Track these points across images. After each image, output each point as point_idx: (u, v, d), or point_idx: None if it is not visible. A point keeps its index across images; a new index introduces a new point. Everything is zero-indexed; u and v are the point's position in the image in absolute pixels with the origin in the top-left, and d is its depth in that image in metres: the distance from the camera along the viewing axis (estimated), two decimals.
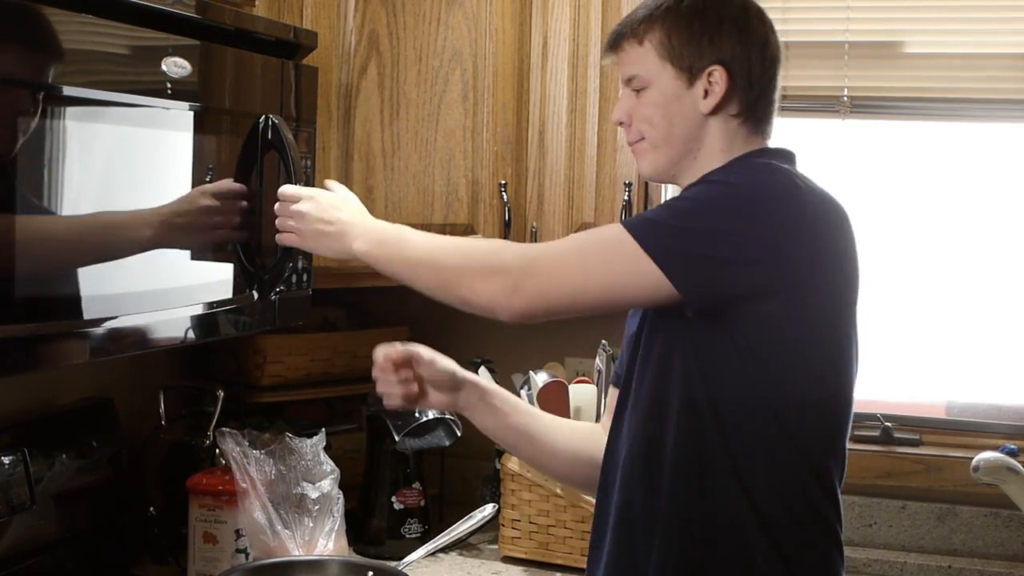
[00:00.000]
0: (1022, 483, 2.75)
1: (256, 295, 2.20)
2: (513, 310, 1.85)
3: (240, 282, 2.17)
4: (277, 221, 2.07)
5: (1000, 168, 3.07)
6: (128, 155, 1.88)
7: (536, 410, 2.26)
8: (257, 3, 2.32)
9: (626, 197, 2.72)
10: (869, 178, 3.10)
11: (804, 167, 1.93)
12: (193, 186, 2.03)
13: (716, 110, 1.90)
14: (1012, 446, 2.94)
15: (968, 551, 2.97)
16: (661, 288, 1.76)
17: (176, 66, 1.92)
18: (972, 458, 2.76)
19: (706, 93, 1.89)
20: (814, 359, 1.82)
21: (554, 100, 2.78)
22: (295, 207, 2.05)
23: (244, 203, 2.12)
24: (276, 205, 2.07)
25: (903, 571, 2.92)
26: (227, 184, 2.10)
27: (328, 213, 2.03)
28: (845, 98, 2.94)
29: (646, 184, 2.74)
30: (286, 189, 2.08)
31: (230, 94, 2.12)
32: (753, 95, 1.91)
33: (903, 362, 3.14)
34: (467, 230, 2.75)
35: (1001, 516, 2.95)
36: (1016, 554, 2.94)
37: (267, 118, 2.17)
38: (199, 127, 2.03)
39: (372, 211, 2.60)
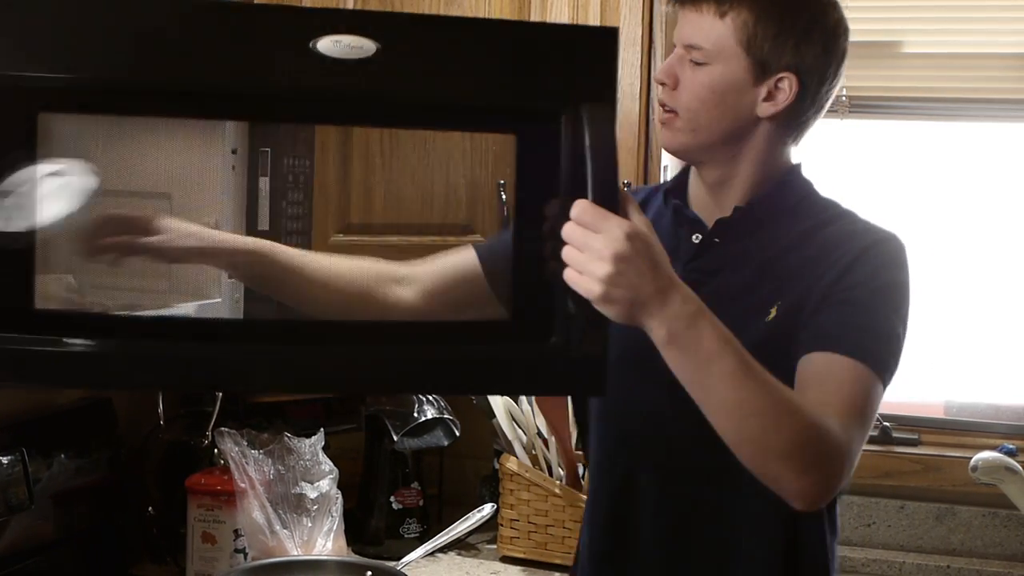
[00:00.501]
0: (1020, 483, 2.75)
1: None
2: (816, 505, 1.58)
3: None
4: (565, 253, 1.44)
5: (999, 168, 3.08)
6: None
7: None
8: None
9: None
10: (867, 178, 3.10)
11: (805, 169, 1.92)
12: None
13: (773, 117, 1.78)
14: (1010, 446, 2.95)
15: (967, 551, 2.97)
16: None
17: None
18: (971, 458, 2.76)
19: (769, 95, 1.76)
20: None
21: None
22: (599, 240, 1.42)
23: None
24: (568, 227, 1.45)
25: (902, 571, 2.93)
26: None
27: (648, 261, 1.43)
28: (844, 98, 2.94)
29: (645, 183, 2.74)
30: (590, 208, 1.44)
31: None
32: (812, 111, 1.82)
33: (902, 362, 3.14)
34: (466, 230, 2.74)
35: (1000, 516, 2.95)
36: (1015, 554, 2.95)
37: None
38: None
39: (371, 211, 2.61)
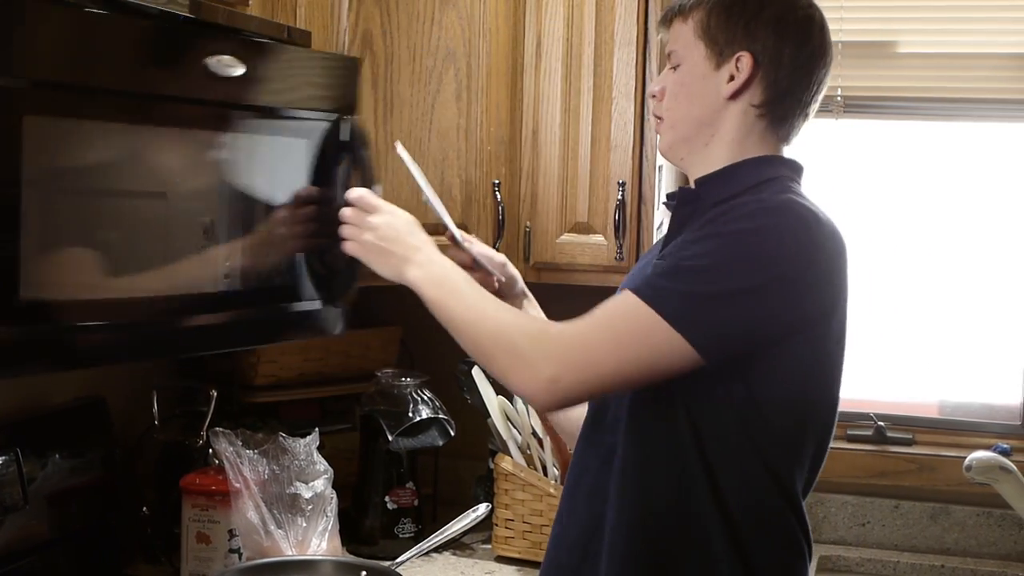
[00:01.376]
0: (1015, 482, 2.75)
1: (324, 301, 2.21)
2: (550, 403, 1.83)
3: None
4: (345, 229, 2.00)
5: (993, 168, 3.08)
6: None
7: None
8: (251, 2, 2.31)
9: (620, 196, 2.72)
10: (862, 178, 3.10)
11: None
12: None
13: (736, 95, 1.88)
14: (1005, 445, 2.95)
15: (961, 550, 2.98)
16: (691, 359, 1.73)
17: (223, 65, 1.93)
18: (965, 457, 2.77)
19: (731, 78, 1.87)
20: (810, 389, 1.82)
21: (548, 100, 2.78)
22: (370, 219, 1.98)
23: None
24: (347, 210, 2.00)
25: (896, 570, 2.93)
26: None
27: (399, 234, 1.98)
28: (839, 98, 2.94)
29: (640, 184, 2.74)
30: (366, 197, 2.01)
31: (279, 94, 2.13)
32: (779, 89, 1.88)
33: (896, 362, 3.14)
34: (461, 229, 2.74)
35: (994, 515, 2.96)
36: (1008, 553, 2.95)
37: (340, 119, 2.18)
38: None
39: None
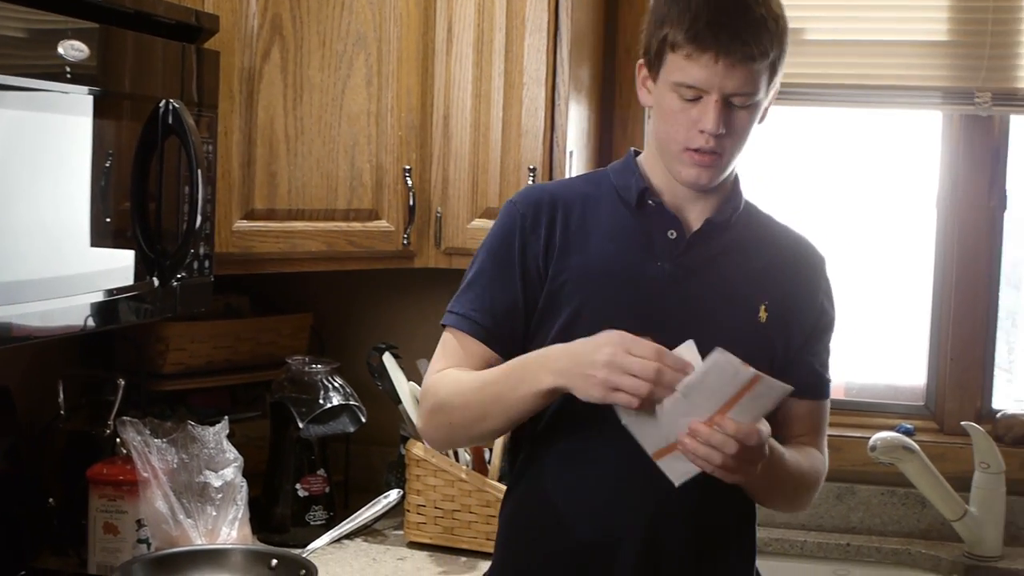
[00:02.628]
0: (918, 462, 2.81)
1: (157, 282, 2.18)
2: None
3: (141, 269, 2.14)
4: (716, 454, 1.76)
5: (898, 154, 3.13)
6: (25, 140, 1.84)
7: None
8: None
9: (531, 182, 2.73)
10: (769, 163, 3.14)
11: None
12: (92, 172, 1.99)
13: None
14: (908, 426, 3.01)
15: (866, 529, 3.03)
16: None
17: (73, 49, 1.89)
18: (869, 438, 2.82)
19: (767, 106, 1.97)
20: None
21: (459, 85, 2.78)
22: (756, 454, 1.79)
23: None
24: (720, 435, 1.75)
25: (803, 549, 2.98)
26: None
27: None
28: None
29: (550, 169, 2.75)
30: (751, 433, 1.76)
31: (130, 78, 2.09)
32: None
33: None
34: (371, 215, 2.73)
35: (898, 494, 3.02)
36: (912, 531, 3.01)
37: (167, 102, 2.14)
38: (99, 112, 1.99)
39: (275, 197, 2.59)
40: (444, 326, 2.04)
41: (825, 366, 2.08)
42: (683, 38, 1.86)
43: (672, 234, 1.98)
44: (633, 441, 1.80)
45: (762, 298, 1.99)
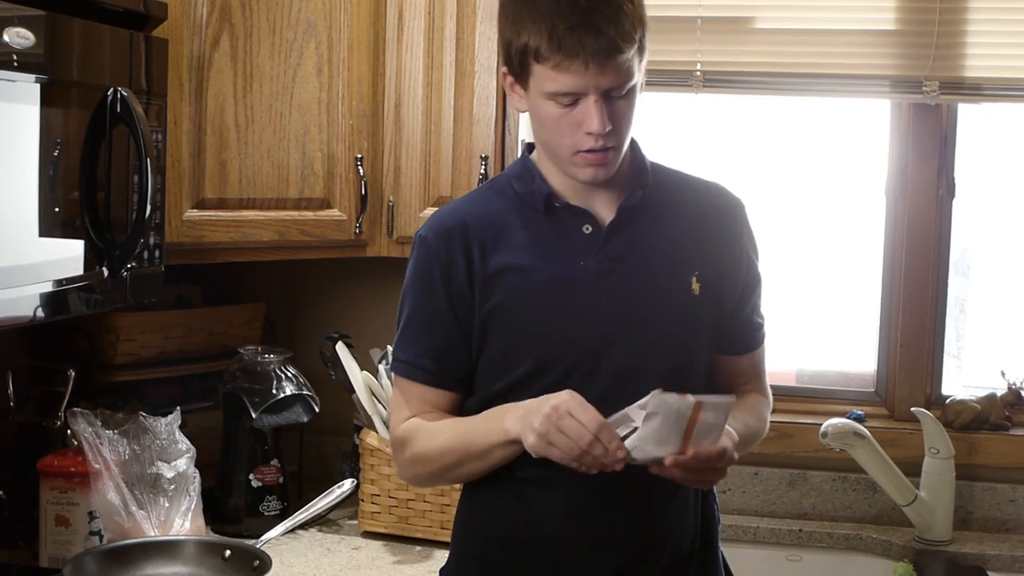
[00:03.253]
0: (868, 448, 2.84)
1: (107, 272, 2.16)
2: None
3: (90, 259, 2.13)
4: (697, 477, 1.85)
5: (848, 142, 3.16)
6: None
7: None
8: None
9: (483, 170, 2.73)
10: (721, 152, 3.15)
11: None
12: (40, 161, 1.97)
13: None
14: (859, 412, 3.03)
15: (818, 514, 3.06)
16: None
17: (19, 36, 1.87)
18: (821, 424, 2.84)
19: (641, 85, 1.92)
20: None
21: (410, 74, 2.77)
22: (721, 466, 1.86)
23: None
24: (694, 463, 1.80)
25: (756, 535, 3.00)
26: None
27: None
28: (698, 72, 2.98)
29: (503, 158, 2.75)
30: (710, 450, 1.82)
31: (78, 66, 2.07)
32: None
33: None
34: (323, 204, 2.72)
35: (849, 480, 3.04)
36: (863, 516, 3.04)
37: (115, 91, 2.12)
38: (46, 100, 1.98)
39: (226, 186, 2.58)
40: (392, 375, 2.07)
41: (758, 313, 2.11)
42: (547, 48, 1.81)
43: (587, 229, 1.95)
44: None
45: (691, 269, 1.97)
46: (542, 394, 1.85)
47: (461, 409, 2.01)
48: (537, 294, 1.92)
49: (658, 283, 1.96)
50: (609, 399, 1.84)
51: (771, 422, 2.98)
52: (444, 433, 1.96)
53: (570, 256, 1.94)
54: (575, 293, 1.92)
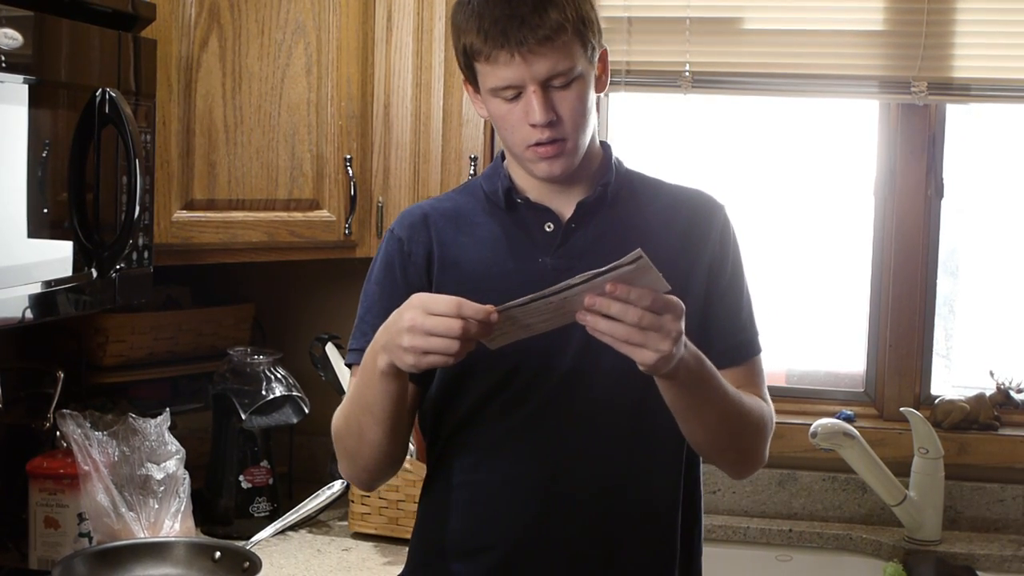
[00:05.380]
0: (858, 448, 2.84)
1: (95, 273, 2.16)
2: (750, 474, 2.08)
3: (79, 260, 2.12)
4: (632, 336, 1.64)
5: (837, 142, 3.16)
6: None
7: None
8: None
9: (472, 171, 2.73)
10: (709, 152, 3.16)
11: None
12: (29, 161, 1.97)
13: (599, 91, 1.90)
14: (848, 412, 3.04)
15: (808, 514, 3.06)
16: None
17: (7, 37, 1.87)
18: (810, 424, 2.84)
19: (599, 74, 1.89)
20: None
21: (399, 74, 2.77)
22: (674, 325, 1.65)
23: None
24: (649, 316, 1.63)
25: (746, 536, 3.00)
26: None
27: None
28: (687, 73, 2.98)
29: (492, 157, 2.74)
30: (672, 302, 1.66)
31: (66, 67, 2.07)
32: None
33: None
34: (312, 205, 2.72)
35: (839, 480, 3.04)
36: (853, 516, 3.04)
37: (104, 91, 2.12)
38: (34, 101, 1.97)
39: (215, 187, 2.58)
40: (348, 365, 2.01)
41: (746, 322, 1.98)
42: (478, 43, 1.81)
43: (549, 227, 1.92)
44: (535, 449, 1.86)
45: None
46: (493, 387, 1.84)
47: (421, 405, 1.98)
48: (489, 288, 1.87)
49: None
50: (559, 399, 1.81)
51: None
52: (345, 402, 1.93)
53: (530, 253, 1.91)
54: (528, 289, 1.81)
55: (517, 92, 1.82)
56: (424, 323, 1.65)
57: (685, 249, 1.94)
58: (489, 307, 1.64)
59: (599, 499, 1.90)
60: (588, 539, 1.91)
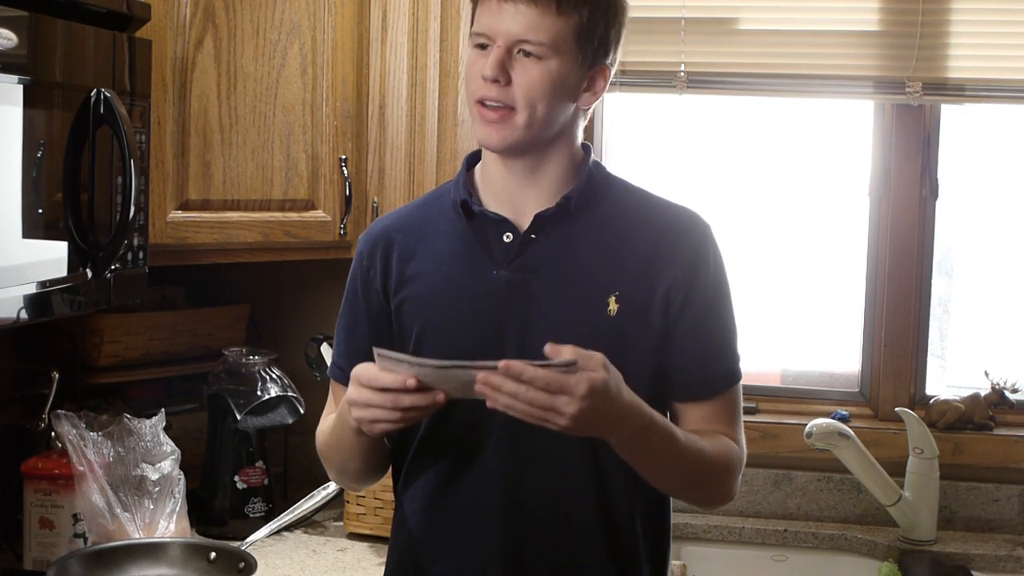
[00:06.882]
0: (853, 448, 2.84)
1: (90, 273, 2.15)
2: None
3: (74, 260, 2.12)
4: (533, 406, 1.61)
5: (832, 143, 3.16)
6: None
7: None
8: None
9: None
10: (705, 152, 3.16)
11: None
12: (24, 162, 1.97)
13: (586, 106, 1.88)
14: (843, 412, 3.04)
15: (803, 514, 3.06)
16: None
17: (2, 37, 1.87)
18: (805, 425, 2.84)
19: (589, 86, 1.85)
20: None
21: (394, 74, 2.77)
22: (568, 408, 1.61)
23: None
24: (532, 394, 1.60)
25: (741, 536, 3.00)
26: None
27: (611, 408, 1.66)
28: (682, 73, 2.98)
29: None
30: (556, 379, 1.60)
31: (60, 67, 2.07)
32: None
33: (739, 331, 3.21)
34: (307, 205, 2.72)
35: (834, 480, 3.04)
36: (848, 516, 3.04)
37: (99, 92, 2.12)
38: (29, 101, 1.97)
39: (210, 187, 2.57)
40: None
41: (717, 354, 1.91)
42: None
43: (508, 237, 1.87)
44: (493, 475, 1.85)
45: (611, 288, 1.83)
46: (447, 414, 1.79)
47: None
48: (445, 303, 1.87)
49: (572, 298, 1.84)
50: (514, 425, 1.68)
51: (756, 422, 3.03)
52: (327, 428, 1.99)
53: (486, 265, 1.86)
54: (485, 303, 1.84)
55: (487, 44, 1.80)
56: (359, 397, 1.70)
57: (646, 272, 1.85)
58: (403, 376, 1.64)
59: (559, 521, 1.87)
60: (550, 562, 1.87)
